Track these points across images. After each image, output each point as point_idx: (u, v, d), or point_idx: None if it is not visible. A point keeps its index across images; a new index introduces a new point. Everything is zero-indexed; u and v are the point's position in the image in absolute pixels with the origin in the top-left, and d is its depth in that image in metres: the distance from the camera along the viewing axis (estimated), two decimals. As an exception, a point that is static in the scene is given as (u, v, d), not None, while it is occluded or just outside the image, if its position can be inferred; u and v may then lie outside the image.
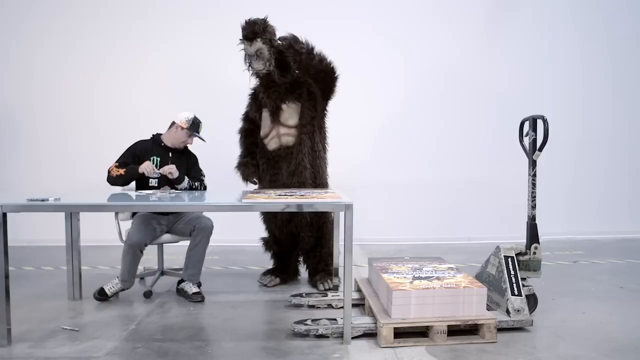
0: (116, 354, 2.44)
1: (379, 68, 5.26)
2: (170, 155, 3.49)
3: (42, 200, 2.60)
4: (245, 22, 3.41)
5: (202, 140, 3.57)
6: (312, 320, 2.72)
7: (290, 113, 3.54)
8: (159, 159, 3.44)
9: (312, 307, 3.12)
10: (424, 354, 2.45)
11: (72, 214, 3.32)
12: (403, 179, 5.30)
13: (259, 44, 3.39)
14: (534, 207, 2.94)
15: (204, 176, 3.62)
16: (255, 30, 3.37)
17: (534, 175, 2.93)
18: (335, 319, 2.72)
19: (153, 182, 3.39)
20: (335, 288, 3.45)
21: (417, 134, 5.33)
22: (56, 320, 2.92)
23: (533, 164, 2.92)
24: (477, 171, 5.32)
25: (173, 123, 3.49)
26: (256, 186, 3.68)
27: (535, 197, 2.94)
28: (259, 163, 3.60)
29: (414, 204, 5.30)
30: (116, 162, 3.38)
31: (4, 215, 2.47)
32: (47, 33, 5.16)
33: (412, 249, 4.90)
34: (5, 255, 2.48)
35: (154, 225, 3.33)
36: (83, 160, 5.13)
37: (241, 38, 3.42)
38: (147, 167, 3.30)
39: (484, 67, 5.34)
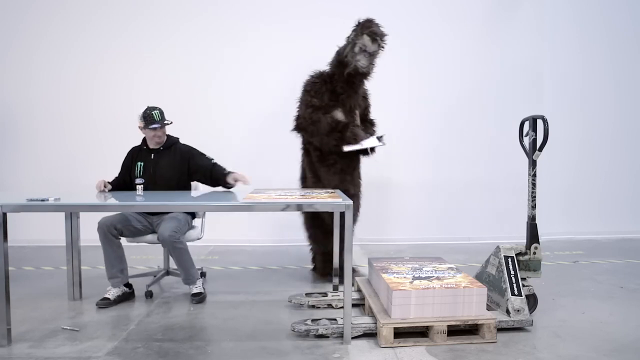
0: (116, 354, 2.44)
1: (377, 68, 5.24)
2: (152, 157, 3.47)
3: (42, 200, 2.60)
4: (372, 20, 3.51)
5: (164, 124, 3.41)
6: (312, 320, 2.72)
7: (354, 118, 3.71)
8: (142, 164, 3.45)
9: (312, 307, 3.12)
10: (424, 354, 2.45)
11: (72, 214, 3.32)
12: (403, 179, 5.29)
13: (377, 47, 3.51)
14: (534, 207, 2.94)
15: (213, 159, 3.52)
16: (383, 34, 3.51)
17: (534, 175, 2.93)
18: (335, 319, 2.73)
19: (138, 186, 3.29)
20: (336, 288, 3.45)
21: (417, 134, 5.32)
22: (56, 320, 2.92)
23: (533, 164, 2.92)
24: (477, 171, 5.32)
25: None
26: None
27: (535, 197, 2.94)
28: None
29: (414, 204, 5.30)
30: (114, 179, 3.47)
31: (4, 215, 2.47)
32: (46, 33, 5.15)
33: (412, 249, 4.90)
34: (5, 255, 2.49)
35: (131, 217, 3.27)
36: (83, 160, 5.13)
37: (367, 32, 3.47)
38: (97, 187, 3.36)
39: (483, 67, 5.33)
